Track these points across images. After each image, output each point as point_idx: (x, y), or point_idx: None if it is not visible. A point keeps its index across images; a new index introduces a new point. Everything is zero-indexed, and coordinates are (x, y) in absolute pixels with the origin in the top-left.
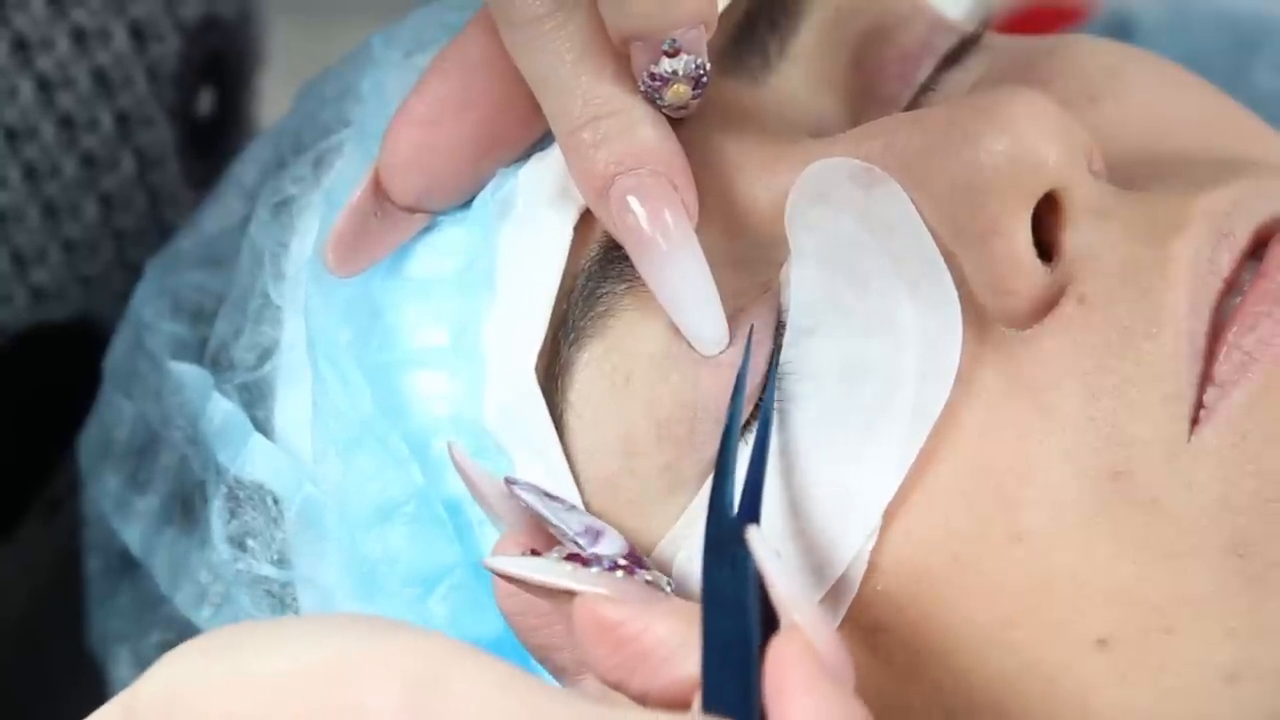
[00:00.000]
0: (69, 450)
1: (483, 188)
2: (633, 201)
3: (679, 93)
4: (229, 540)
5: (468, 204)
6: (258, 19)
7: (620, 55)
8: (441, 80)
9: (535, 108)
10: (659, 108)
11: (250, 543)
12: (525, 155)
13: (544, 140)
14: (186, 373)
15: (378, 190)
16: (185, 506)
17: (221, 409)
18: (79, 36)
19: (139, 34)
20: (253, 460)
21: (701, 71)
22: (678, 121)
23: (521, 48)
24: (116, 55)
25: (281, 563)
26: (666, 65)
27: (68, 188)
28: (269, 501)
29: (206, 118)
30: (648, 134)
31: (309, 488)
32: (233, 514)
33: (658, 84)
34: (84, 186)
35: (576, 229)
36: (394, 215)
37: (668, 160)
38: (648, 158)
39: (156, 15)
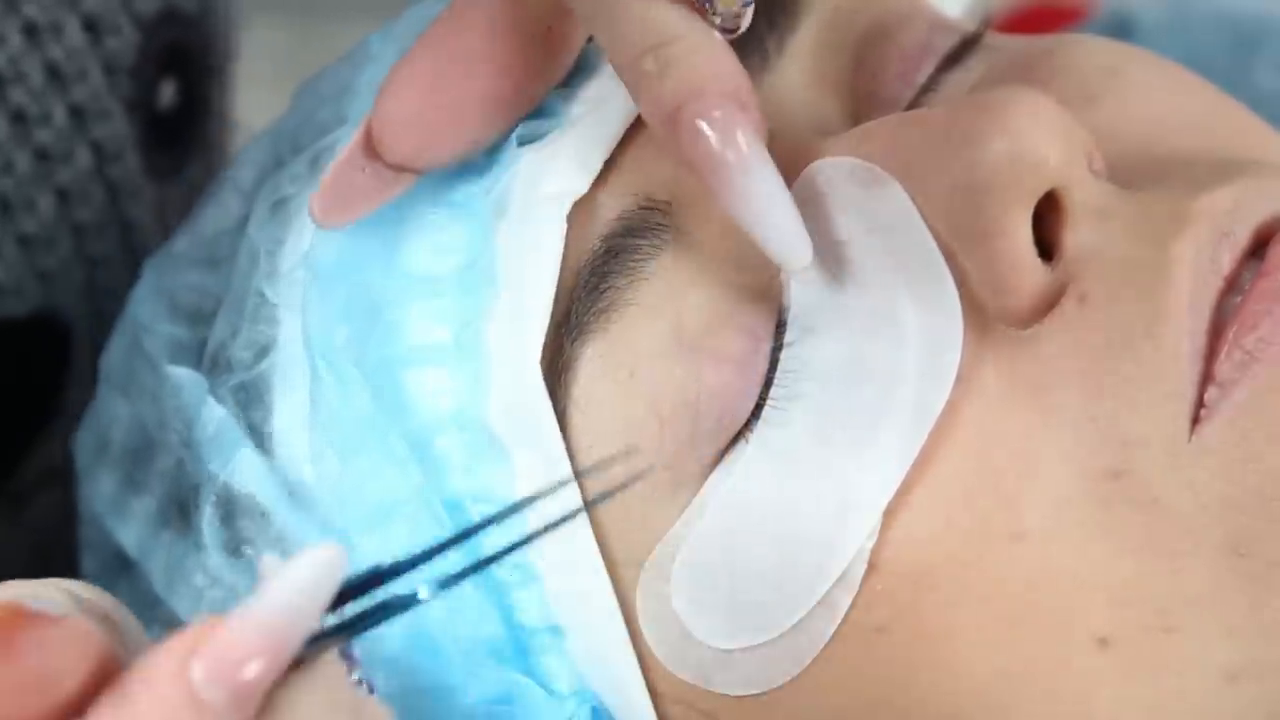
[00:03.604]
0: (33, 444)
1: (473, 151)
2: (704, 127)
3: (729, 2)
4: (223, 546)
5: (455, 182)
6: (223, 11)
7: None
8: (441, 40)
9: (533, 73)
10: (711, 22)
11: (246, 550)
12: (516, 122)
13: (540, 131)
14: (183, 376)
15: (368, 145)
16: (181, 510)
17: (215, 416)
18: (30, 31)
19: (93, 27)
20: (241, 472)
21: None
22: None
23: None
24: (69, 49)
25: None
26: None
27: (21, 183)
28: (259, 513)
29: (169, 110)
30: (710, 58)
31: (287, 514)
32: (224, 521)
33: None
34: (38, 181)
35: (578, 223)
36: (382, 172)
37: (734, 82)
38: (713, 82)
39: (112, 8)
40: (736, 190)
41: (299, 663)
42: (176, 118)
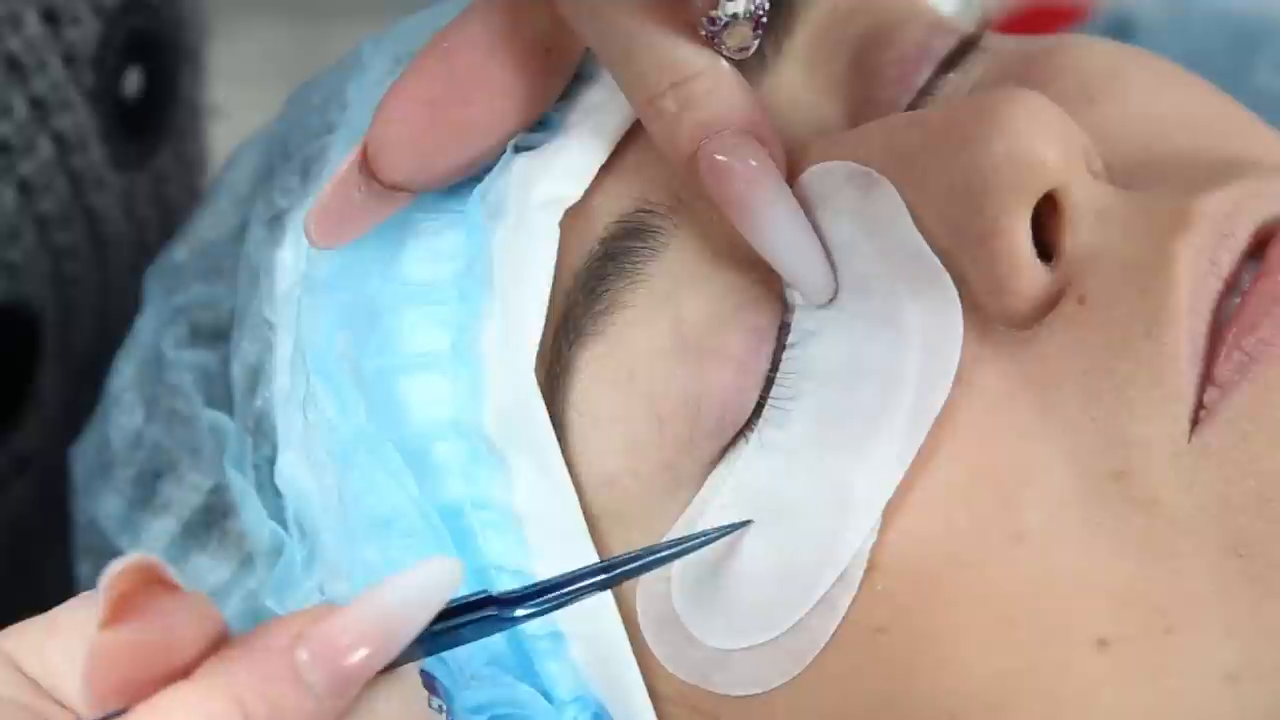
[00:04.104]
0: (4, 434)
1: (469, 171)
2: (725, 164)
3: (740, 35)
4: (275, 586)
5: (452, 190)
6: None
7: (679, 6)
8: (440, 61)
9: (531, 94)
10: (721, 53)
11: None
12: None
13: (536, 138)
14: (220, 424)
15: (364, 165)
16: (222, 534)
17: (237, 484)
18: None
19: (52, 18)
20: (262, 524)
21: (761, 12)
22: None
23: (584, 17)
24: (28, 40)
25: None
26: (727, 8)
27: None
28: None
29: (135, 98)
30: (730, 96)
31: (299, 552)
32: (268, 558)
33: (717, 28)
34: (0, 173)
35: (576, 228)
36: (377, 192)
37: (751, 118)
38: (732, 120)
39: None
40: (759, 225)
41: (386, 669)
42: (143, 106)
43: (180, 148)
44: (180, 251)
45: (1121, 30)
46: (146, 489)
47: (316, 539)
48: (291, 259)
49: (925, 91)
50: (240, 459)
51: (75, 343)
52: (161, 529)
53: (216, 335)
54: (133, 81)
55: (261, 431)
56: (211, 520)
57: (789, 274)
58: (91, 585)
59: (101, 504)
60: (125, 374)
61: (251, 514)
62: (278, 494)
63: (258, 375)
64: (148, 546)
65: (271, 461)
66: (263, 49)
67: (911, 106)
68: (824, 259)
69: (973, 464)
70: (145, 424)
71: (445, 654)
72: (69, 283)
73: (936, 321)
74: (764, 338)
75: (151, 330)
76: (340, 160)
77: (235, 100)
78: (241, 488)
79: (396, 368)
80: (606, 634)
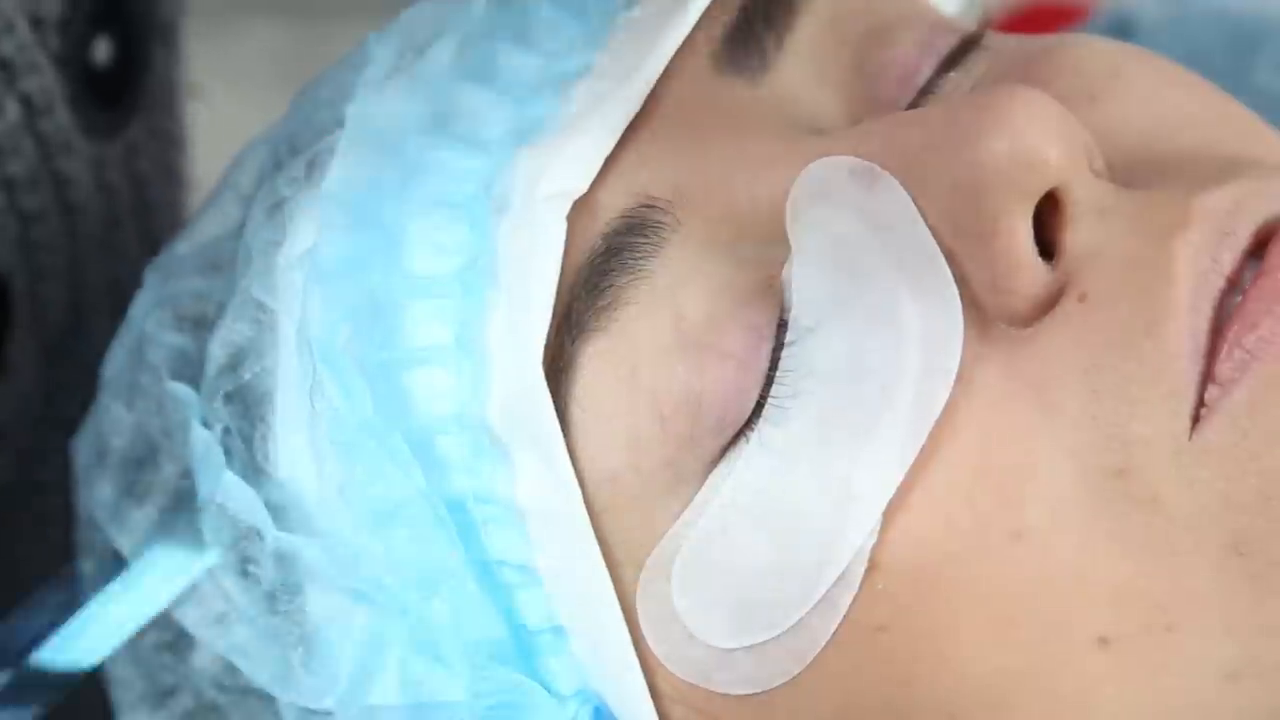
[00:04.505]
0: None
1: None
2: None
3: None
4: (231, 567)
5: (460, 187)
6: None
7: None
8: None
9: None
10: None
11: (251, 568)
12: None
13: (539, 130)
14: (180, 392)
15: None
16: (189, 522)
17: (201, 437)
18: None
19: None
20: (229, 494)
21: None
22: (679, 123)
23: None
24: None
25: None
26: None
27: None
28: (254, 533)
29: (106, 68)
30: None
31: (278, 533)
32: (229, 541)
33: None
34: None
35: (579, 222)
36: None
37: None
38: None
39: None
40: None
41: None
42: (113, 76)
43: (154, 122)
44: (182, 246)
45: (1121, 30)
46: (130, 475)
47: (308, 526)
48: (290, 245)
49: (926, 90)
50: (205, 435)
51: (46, 313)
52: (143, 517)
53: (201, 325)
54: (102, 50)
55: (243, 404)
56: (180, 504)
57: None
58: (92, 582)
59: (96, 494)
60: (117, 360)
61: (208, 485)
62: (257, 471)
63: (245, 351)
64: (130, 536)
65: (247, 438)
66: (262, 49)
67: (912, 105)
68: None
69: (973, 462)
70: (128, 409)
71: (446, 648)
72: (37, 248)
73: (937, 319)
74: (763, 335)
75: (140, 316)
76: (348, 154)
77: (233, 100)
78: (200, 455)
79: (400, 361)
80: (607, 631)
